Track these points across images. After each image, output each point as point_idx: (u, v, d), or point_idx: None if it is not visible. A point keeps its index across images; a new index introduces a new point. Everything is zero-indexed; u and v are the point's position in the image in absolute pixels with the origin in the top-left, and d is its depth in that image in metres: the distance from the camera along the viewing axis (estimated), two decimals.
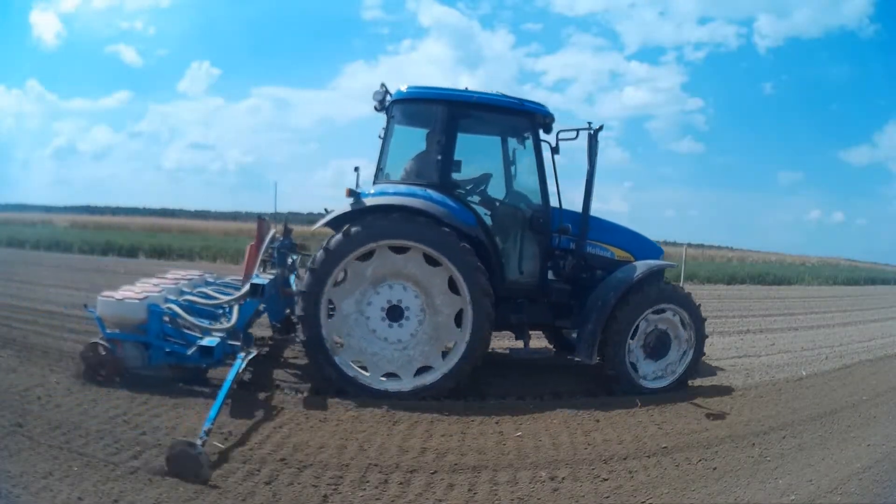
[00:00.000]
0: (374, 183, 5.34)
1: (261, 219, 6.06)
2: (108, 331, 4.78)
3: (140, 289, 5.12)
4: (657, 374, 5.39)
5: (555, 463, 3.79)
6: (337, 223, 4.93)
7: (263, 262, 5.82)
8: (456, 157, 5.26)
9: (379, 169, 5.37)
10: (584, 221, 5.35)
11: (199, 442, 3.29)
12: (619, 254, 5.59)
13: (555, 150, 5.28)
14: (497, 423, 4.48)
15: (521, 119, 5.40)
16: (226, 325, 5.03)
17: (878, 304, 16.23)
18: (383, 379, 4.92)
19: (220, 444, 3.68)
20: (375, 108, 5.67)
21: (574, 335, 5.59)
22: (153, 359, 4.81)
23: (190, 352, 4.77)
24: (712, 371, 6.53)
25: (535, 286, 5.36)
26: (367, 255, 4.82)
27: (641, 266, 5.33)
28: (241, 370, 4.43)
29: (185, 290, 5.58)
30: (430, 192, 4.96)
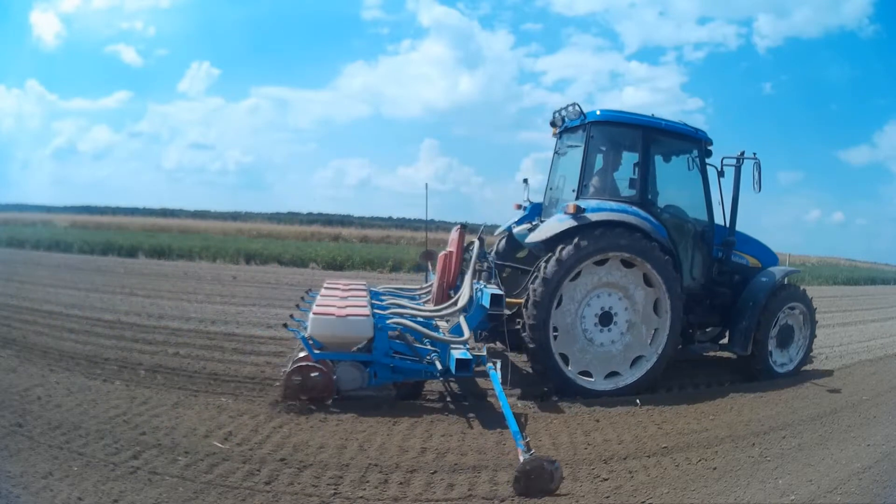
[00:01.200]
0: (578, 198, 5.62)
1: (462, 228, 5.97)
2: (317, 351, 4.50)
3: (343, 304, 4.91)
4: (784, 361, 6.35)
5: None
6: (564, 236, 5.23)
7: (477, 273, 5.63)
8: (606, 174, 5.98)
9: (583, 185, 5.72)
10: (730, 234, 6.21)
11: (527, 456, 3.38)
12: (751, 261, 6.44)
13: (720, 174, 6.08)
14: (497, 422, 4.47)
15: (693, 144, 6.03)
16: (462, 337, 4.87)
17: (878, 304, 16.23)
18: (592, 379, 5.34)
19: (219, 444, 3.68)
20: (553, 124, 6.25)
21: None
22: (378, 378, 4.62)
23: (442, 366, 4.67)
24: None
25: (702, 290, 6.10)
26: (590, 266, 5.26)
27: (778, 271, 6.34)
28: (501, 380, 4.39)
29: (375, 303, 5.47)
30: (636, 209, 5.47)
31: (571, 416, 4.71)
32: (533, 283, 5.15)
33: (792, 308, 6.28)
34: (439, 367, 4.67)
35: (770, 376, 6.13)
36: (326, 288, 5.92)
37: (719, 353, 6.68)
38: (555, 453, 3.94)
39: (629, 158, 6.05)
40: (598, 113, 5.75)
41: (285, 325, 4.86)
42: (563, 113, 6.04)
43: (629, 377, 5.38)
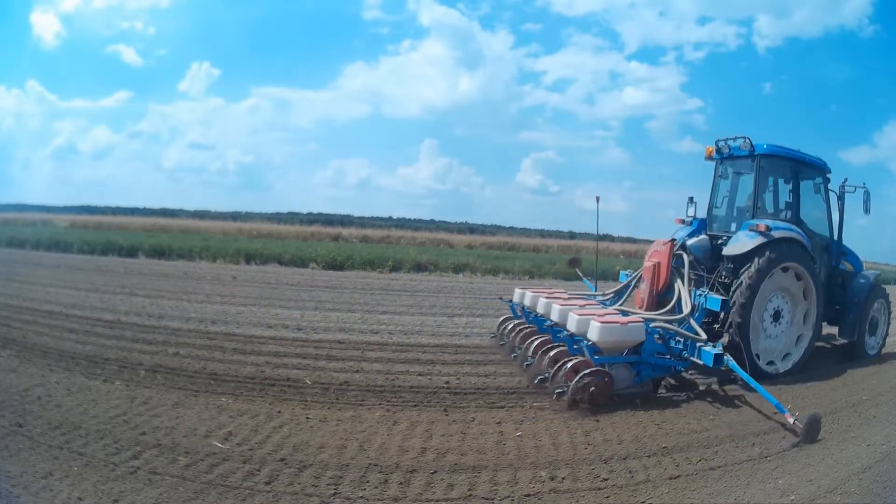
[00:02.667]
0: (754, 217, 6.69)
1: (672, 241, 6.85)
2: (597, 356, 5.06)
3: (602, 312, 5.54)
4: (873, 345, 7.83)
5: (555, 463, 3.79)
6: (758, 250, 6.27)
7: (692, 281, 6.66)
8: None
9: (757, 207, 6.87)
10: (838, 246, 7.58)
11: (790, 420, 4.42)
12: (848, 267, 7.76)
13: (839, 198, 7.43)
14: (497, 423, 4.48)
15: (820, 173, 7.37)
16: (702, 336, 5.69)
17: None
18: (767, 365, 6.43)
19: (219, 444, 3.68)
20: (719, 151, 7.19)
21: None
22: (641, 376, 5.33)
23: (701, 362, 5.44)
24: (711, 371, 6.52)
25: (825, 291, 7.16)
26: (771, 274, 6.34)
27: (870, 274, 7.84)
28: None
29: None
30: (795, 226, 6.65)
31: (571, 417, 4.71)
32: (738, 288, 6.20)
33: (879, 303, 7.77)
34: (699, 362, 5.46)
35: (865, 356, 7.60)
36: (547, 297, 6.39)
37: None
38: (555, 453, 3.95)
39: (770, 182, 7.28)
40: (764, 147, 6.85)
41: (569, 335, 5.31)
42: (731, 142, 7.06)
43: (787, 362, 6.55)
